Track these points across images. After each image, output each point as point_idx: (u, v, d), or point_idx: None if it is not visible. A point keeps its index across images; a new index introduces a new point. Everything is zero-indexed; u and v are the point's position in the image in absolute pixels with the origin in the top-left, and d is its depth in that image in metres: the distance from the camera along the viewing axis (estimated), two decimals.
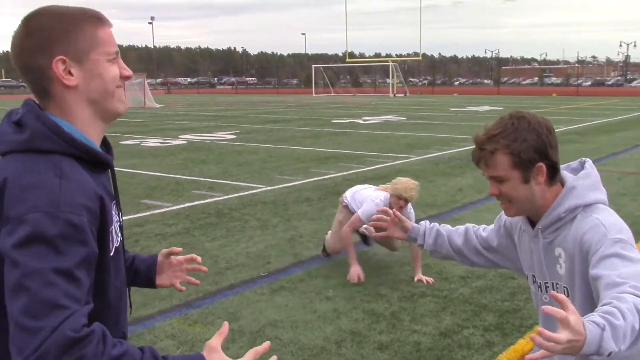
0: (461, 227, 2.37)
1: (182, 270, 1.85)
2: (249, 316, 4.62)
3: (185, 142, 16.66)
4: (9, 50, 1.42)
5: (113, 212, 1.44)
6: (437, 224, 2.39)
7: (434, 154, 13.48)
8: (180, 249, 1.86)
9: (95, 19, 1.44)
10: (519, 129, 1.87)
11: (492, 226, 2.29)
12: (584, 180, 1.95)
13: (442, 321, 4.51)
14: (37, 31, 1.38)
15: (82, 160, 1.38)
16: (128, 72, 1.48)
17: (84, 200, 1.30)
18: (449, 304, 4.81)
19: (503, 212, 2.04)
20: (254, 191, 9.39)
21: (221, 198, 8.93)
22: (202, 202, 8.61)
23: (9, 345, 1.24)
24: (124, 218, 1.64)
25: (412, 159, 12.87)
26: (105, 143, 1.52)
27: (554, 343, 1.43)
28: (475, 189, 9.47)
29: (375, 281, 5.36)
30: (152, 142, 16.72)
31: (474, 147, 1.95)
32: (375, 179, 10.39)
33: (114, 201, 1.48)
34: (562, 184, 1.96)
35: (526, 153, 1.86)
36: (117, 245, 1.46)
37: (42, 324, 1.19)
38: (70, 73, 1.39)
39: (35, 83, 1.41)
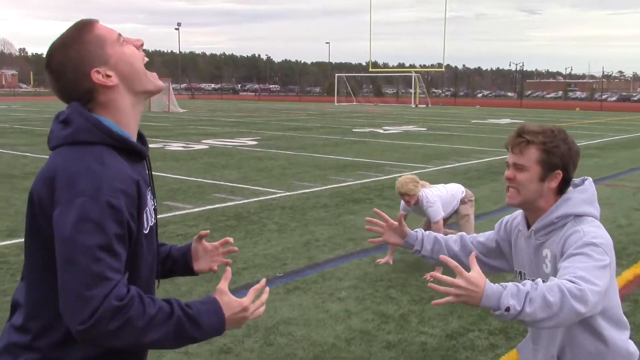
0: (454, 236, 2.53)
1: (219, 254, 2.01)
2: (264, 313, 4.80)
3: (207, 147, 16.98)
4: (43, 54, 1.67)
5: (148, 197, 1.67)
6: (432, 232, 2.52)
7: (451, 165, 13.63)
8: (207, 232, 2.03)
9: (86, 25, 1.65)
10: (557, 137, 2.13)
11: (489, 232, 2.49)
12: (580, 194, 2.17)
13: (449, 324, 4.69)
14: (61, 71, 1.61)
15: (121, 151, 1.60)
16: (139, 41, 1.70)
17: (121, 185, 1.52)
18: (456, 309, 4.99)
19: (507, 199, 2.22)
20: (273, 196, 9.64)
21: (241, 202, 9.18)
22: (222, 205, 8.87)
23: (61, 311, 1.48)
24: None
25: (430, 169, 13.03)
26: (140, 137, 1.74)
27: (449, 287, 1.73)
28: (491, 200, 9.61)
29: (386, 284, 5.56)
30: (175, 146, 17.08)
31: (514, 134, 2.18)
32: (393, 187, 10.54)
33: (149, 187, 1.71)
34: None
35: (554, 157, 2.11)
36: (151, 224, 1.69)
37: (94, 294, 1.43)
38: (107, 76, 1.62)
39: (86, 100, 1.63)
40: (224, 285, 1.66)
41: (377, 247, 6.56)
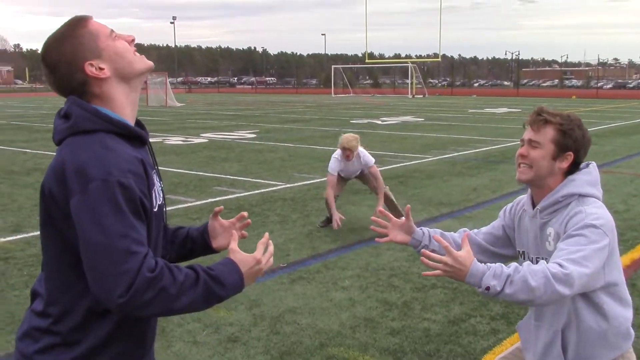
0: (459, 231, 2.61)
1: (237, 229, 2.08)
2: (269, 303, 4.93)
3: (207, 140, 17.04)
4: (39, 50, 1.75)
5: (154, 177, 1.76)
6: (437, 229, 2.57)
7: (450, 155, 13.71)
8: (221, 207, 2.09)
9: (80, 21, 1.73)
10: (574, 122, 2.26)
11: (493, 222, 2.56)
12: (584, 176, 2.28)
13: (451, 310, 4.78)
14: (56, 65, 1.69)
15: (122, 136, 1.68)
16: (130, 36, 1.78)
17: (128, 165, 1.60)
18: (458, 295, 5.08)
19: (518, 174, 2.31)
20: (274, 188, 9.72)
21: (242, 194, 9.26)
22: (223, 198, 8.95)
23: (94, 291, 1.56)
24: None
25: (429, 159, 13.11)
26: (139, 125, 1.81)
27: (437, 263, 1.97)
28: (490, 188, 9.70)
29: (388, 273, 5.65)
30: (174, 140, 17.13)
31: (533, 112, 2.29)
32: (392, 178, 10.66)
33: (154, 170, 1.79)
34: None
35: (568, 139, 2.23)
36: (160, 203, 1.77)
37: (126, 268, 1.52)
38: (100, 68, 1.69)
39: (80, 92, 1.71)
40: (234, 245, 1.78)
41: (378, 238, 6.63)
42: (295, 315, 4.70)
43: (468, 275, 1.97)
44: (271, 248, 1.83)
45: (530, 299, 1.99)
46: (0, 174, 11.22)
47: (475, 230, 2.58)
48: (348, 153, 7.15)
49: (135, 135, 1.71)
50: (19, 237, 6.85)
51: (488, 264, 2.02)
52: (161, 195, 1.80)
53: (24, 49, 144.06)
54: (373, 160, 7.48)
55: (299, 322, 4.58)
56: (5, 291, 5.20)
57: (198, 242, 2.06)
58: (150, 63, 1.81)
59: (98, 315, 1.66)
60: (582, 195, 2.22)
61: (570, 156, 2.24)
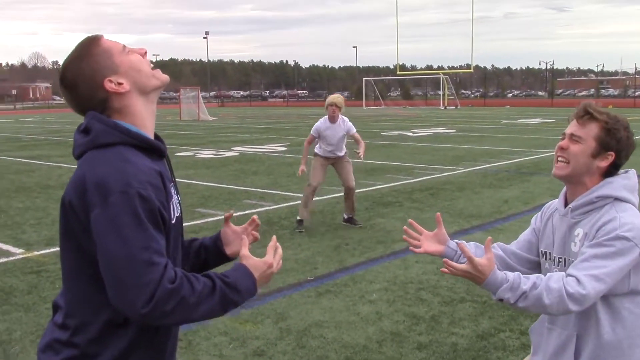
0: (495, 245, 2.49)
1: (248, 235, 2.07)
2: (296, 316, 4.92)
3: (238, 153, 17.17)
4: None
5: (172, 190, 1.77)
6: (471, 242, 2.47)
7: (481, 166, 13.57)
8: (231, 213, 2.09)
9: (93, 40, 1.76)
10: (620, 123, 2.20)
11: (525, 231, 2.48)
12: (622, 180, 2.22)
13: (479, 325, 4.71)
14: (75, 85, 1.72)
15: (141, 149, 1.70)
16: (142, 49, 1.81)
17: (147, 177, 1.62)
18: (487, 309, 5.00)
19: (555, 169, 2.25)
20: None
21: (271, 207, 9.29)
22: (253, 211, 8.99)
23: (115, 303, 1.57)
24: None
25: (460, 170, 12.99)
26: (158, 138, 1.83)
27: (456, 270, 2.02)
28: (521, 200, 9.56)
29: (416, 286, 5.59)
30: (206, 153, 17.31)
31: (580, 107, 2.24)
32: (422, 190, 10.60)
33: (172, 183, 1.80)
34: None
35: (612, 138, 2.17)
36: (177, 215, 1.78)
37: (148, 280, 1.53)
38: (119, 83, 1.72)
39: (102, 109, 1.74)
40: (245, 250, 1.80)
41: (407, 250, 6.58)
42: (322, 328, 4.68)
43: (484, 284, 2.01)
44: (280, 250, 1.86)
45: (539, 311, 2.06)
46: (36, 189, 11.47)
47: (508, 244, 2.52)
48: (334, 108, 7.92)
49: (154, 148, 1.73)
50: (52, 250, 6.97)
51: (508, 274, 2.02)
52: (179, 208, 1.82)
53: None
54: (355, 129, 8.35)
55: (325, 335, 4.55)
56: (38, 304, 5.29)
57: (212, 251, 2.06)
58: (166, 77, 1.83)
59: (117, 327, 1.67)
60: (617, 199, 2.16)
61: (611, 156, 2.18)
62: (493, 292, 2.02)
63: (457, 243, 2.30)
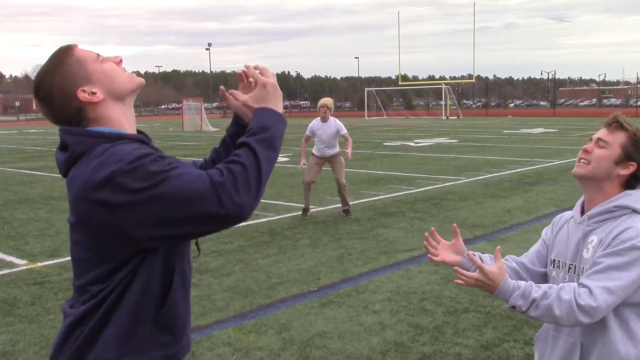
0: (508, 257, 2.50)
1: (250, 87, 1.92)
2: (299, 327, 4.91)
3: None
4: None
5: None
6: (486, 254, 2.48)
7: (484, 176, 13.57)
8: (222, 88, 1.97)
9: (66, 50, 1.75)
10: None
11: (536, 243, 2.48)
12: None
13: (483, 335, 4.70)
14: (50, 96, 1.71)
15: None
16: (117, 57, 1.80)
17: (138, 152, 1.59)
18: (491, 319, 4.99)
19: (575, 168, 2.27)
20: None
21: (274, 218, 9.30)
22: (256, 221, 8.99)
23: (231, 215, 1.61)
24: None
25: (462, 181, 12.99)
26: (140, 133, 1.80)
27: (468, 278, 2.08)
28: (524, 210, 9.56)
29: (420, 297, 5.58)
30: None
31: (611, 116, 2.30)
32: (425, 200, 10.60)
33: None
34: None
35: (637, 149, 2.21)
36: None
37: (217, 181, 1.55)
38: (92, 93, 1.72)
39: (78, 119, 1.73)
40: (245, 97, 1.78)
41: (410, 260, 6.59)
42: (325, 339, 4.67)
43: (497, 291, 2.05)
44: (260, 64, 1.83)
45: (549, 321, 2.09)
46: (39, 200, 11.49)
47: (524, 254, 2.52)
48: (325, 109, 9.16)
49: (133, 139, 1.70)
50: (55, 261, 6.98)
51: (520, 282, 2.06)
52: None
53: None
54: (345, 129, 9.30)
55: (329, 346, 4.55)
56: (41, 315, 5.29)
57: (238, 128, 2.05)
58: (141, 80, 1.82)
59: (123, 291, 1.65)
60: (635, 211, 2.17)
61: (632, 166, 2.20)
62: (505, 300, 2.05)
63: (466, 253, 2.30)
